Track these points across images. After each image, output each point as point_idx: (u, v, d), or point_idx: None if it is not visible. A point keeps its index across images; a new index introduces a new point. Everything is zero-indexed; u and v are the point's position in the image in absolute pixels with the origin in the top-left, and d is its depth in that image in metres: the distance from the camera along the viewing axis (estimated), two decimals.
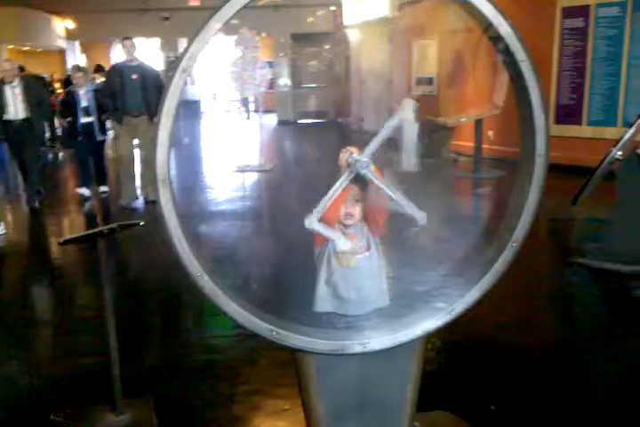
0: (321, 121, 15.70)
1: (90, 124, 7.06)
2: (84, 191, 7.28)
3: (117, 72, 6.73)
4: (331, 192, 1.78)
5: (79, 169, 7.49)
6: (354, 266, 1.92)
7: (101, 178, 7.53)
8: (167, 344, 3.38)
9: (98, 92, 7.06)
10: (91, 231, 2.60)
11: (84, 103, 7.04)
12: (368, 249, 1.93)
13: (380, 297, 1.98)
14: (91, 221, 6.59)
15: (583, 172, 4.32)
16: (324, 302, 1.96)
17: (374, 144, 1.79)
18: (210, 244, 4.93)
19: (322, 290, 1.95)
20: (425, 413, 2.18)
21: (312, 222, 1.76)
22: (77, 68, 7.62)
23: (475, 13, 1.80)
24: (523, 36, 1.79)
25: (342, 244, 1.90)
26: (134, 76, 6.59)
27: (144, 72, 6.69)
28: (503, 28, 1.78)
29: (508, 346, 3.25)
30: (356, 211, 1.87)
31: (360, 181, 1.81)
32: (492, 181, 7.56)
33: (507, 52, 1.81)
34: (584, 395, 2.76)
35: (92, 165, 7.32)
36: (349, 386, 1.94)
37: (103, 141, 7.36)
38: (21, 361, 3.22)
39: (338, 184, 1.79)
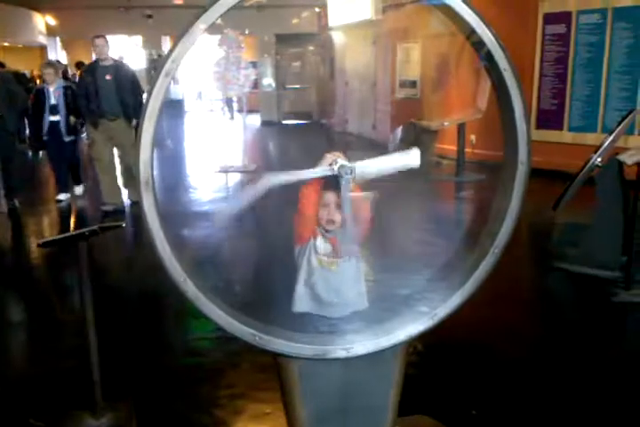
0: (305, 122, 15.72)
1: (56, 124, 6.69)
2: (61, 196, 7.01)
3: (90, 73, 6.26)
4: (303, 173, 1.78)
5: (54, 172, 7.24)
6: (334, 269, 1.92)
7: (75, 180, 7.29)
8: (148, 347, 3.35)
9: (68, 90, 6.73)
10: (71, 233, 2.57)
11: (52, 101, 6.67)
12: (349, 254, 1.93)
13: (359, 300, 1.99)
14: (65, 225, 6.37)
15: (564, 177, 4.38)
16: (302, 302, 1.96)
17: (369, 169, 1.78)
18: (192, 245, 4.91)
19: (300, 290, 1.95)
20: (405, 417, 2.19)
21: (269, 179, 1.74)
22: (48, 64, 7.22)
23: (458, 21, 1.82)
24: (505, 41, 1.80)
25: (323, 246, 1.91)
26: (108, 77, 6.17)
27: (119, 72, 6.25)
28: (486, 36, 1.79)
29: (489, 350, 3.28)
30: (338, 218, 1.88)
31: (339, 187, 1.81)
32: (475, 185, 7.63)
33: (489, 59, 1.83)
34: (564, 399, 2.79)
35: (66, 167, 7.08)
36: (331, 390, 1.94)
37: (73, 142, 6.99)
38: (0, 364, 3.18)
39: (312, 171, 1.78)
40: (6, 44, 15.49)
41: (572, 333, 3.51)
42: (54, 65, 7.36)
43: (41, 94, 6.74)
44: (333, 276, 1.93)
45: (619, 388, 2.89)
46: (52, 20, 16.55)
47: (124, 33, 18.67)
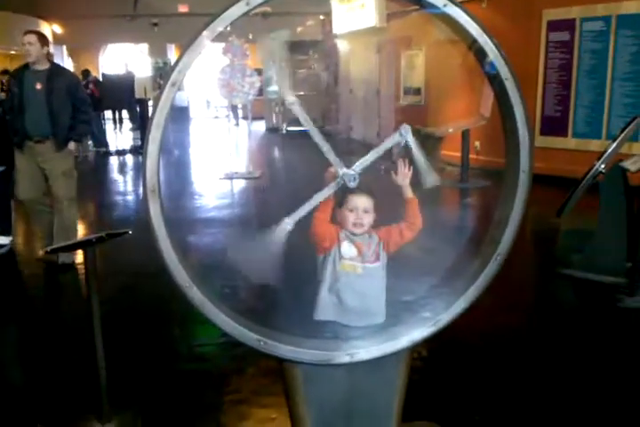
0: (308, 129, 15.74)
1: None
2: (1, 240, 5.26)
3: (18, 80, 4.67)
4: (311, 202, 1.82)
5: None
6: (360, 273, 1.91)
7: (2, 225, 5.26)
8: (154, 353, 3.37)
9: None
10: (78, 240, 2.61)
11: None
12: (376, 261, 1.93)
13: (379, 312, 1.97)
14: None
15: (568, 183, 4.39)
16: (326, 309, 1.94)
17: (365, 161, 1.82)
18: (198, 252, 4.94)
19: (325, 297, 1.93)
20: (409, 423, 2.21)
21: (287, 226, 1.79)
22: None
23: (460, 31, 1.85)
24: (509, 49, 1.83)
25: (348, 251, 1.92)
26: (38, 86, 4.59)
27: (54, 80, 4.64)
28: (488, 45, 1.82)
29: (492, 356, 3.29)
30: (366, 221, 1.89)
31: (368, 191, 1.86)
32: (479, 191, 7.64)
33: (491, 68, 1.86)
34: (567, 405, 2.79)
35: None
36: (336, 395, 1.96)
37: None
38: (8, 369, 3.20)
39: (320, 194, 1.82)
40: (13, 52, 15.62)
41: (577, 339, 3.51)
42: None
43: None
44: (359, 279, 1.92)
45: (623, 394, 2.89)
46: (58, 29, 16.70)
47: (130, 41, 18.86)
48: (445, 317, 1.97)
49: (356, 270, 1.92)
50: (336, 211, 1.91)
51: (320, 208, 1.86)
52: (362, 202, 1.88)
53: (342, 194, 1.88)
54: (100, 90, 13.16)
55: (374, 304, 1.97)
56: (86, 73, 14.20)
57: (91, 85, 13.09)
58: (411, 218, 1.92)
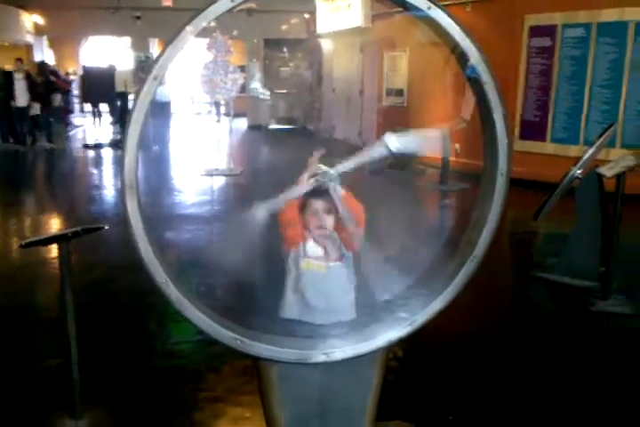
0: (291, 127, 15.75)
1: None
2: None
3: None
4: (287, 194, 1.81)
5: None
6: (324, 272, 1.93)
7: None
8: (129, 349, 3.34)
9: None
10: (53, 234, 2.57)
11: None
12: (340, 259, 1.95)
13: (348, 309, 2.00)
14: None
15: (545, 187, 4.45)
16: (291, 308, 1.96)
17: (348, 164, 1.81)
18: (175, 248, 4.91)
19: (289, 296, 1.96)
20: (383, 422, 2.22)
21: (258, 210, 1.76)
22: None
23: (443, 34, 1.85)
24: (491, 53, 1.84)
25: (313, 250, 1.92)
26: None
27: None
28: (470, 49, 1.83)
29: (467, 357, 3.32)
30: (329, 223, 1.90)
31: (327, 194, 1.84)
32: (459, 194, 7.70)
33: (472, 72, 1.87)
34: (539, 406, 2.83)
35: None
36: (310, 394, 1.96)
37: None
38: None
39: (299, 188, 1.81)
40: None
41: (550, 341, 3.56)
42: None
43: None
44: (323, 280, 1.94)
45: (594, 394, 2.94)
46: (39, 19, 16.43)
47: (112, 34, 18.60)
48: (421, 317, 1.98)
49: (320, 269, 1.93)
50: (299, 214, 1.91)
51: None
52: (321, 204, 1.88)
53: (302, 199, 1.87)
54: (83, 83, 12.77)
55: (339, 303, 1.98)
56: (43, 66, 13.41)
57: (52, 77, 12.34)
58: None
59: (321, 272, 1.93)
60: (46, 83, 11.90)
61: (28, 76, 11.54)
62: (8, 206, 7.25)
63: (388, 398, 2.12)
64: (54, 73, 12.88)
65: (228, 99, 9.42)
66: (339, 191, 1.81)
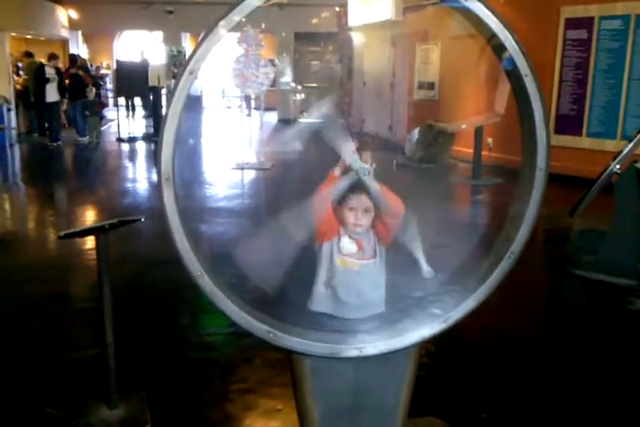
0: (321, 121, 15.72)
1: None
2: None
3: None
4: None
5: None
6: (357, 271, 1.93)
7: None
8: (163, 340, 3.39)
9: None
10: (91, 226, 2.62)
11: None
12: (373, 257, 1.95)
13: (378, 304, 2.00)
14: None
15: (581, 183, 4.36)
16: (320, 302, 1.97)
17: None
18: (208, 241, 4.95)
19: (320, 290, 1.96)
20: (415, 419, 2.21)
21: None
22: None
23: (479, 24, 1.82)
24: (526, 46, 1.80)
25: (348, 247, 1.92)
26: None
27: None
28: (508, 41, 1.79)
29: (501, 355, 3.28)
30: (366, 220, 1.89)
31: (367, 191, 1.83)
32: (491, 188, 7.60)
33: (510, 64, 1.83)
34: (575, 406, 2.79)
35: None
36: (343, 388, 1.96)
37: None
38: (17, 355, 3.23)
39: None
40: (29, 36, 15.63)
41: (586, 340, 3.49)
42: None
43: None
44: (356, 277, 1.93)
45: (630, 395, 2.87)
46: (74, 14, 16.70)
47: (144, 28, 18.81)
48: (456, 314, 1.95)
49: (354, 267, 1.92)
50: (335, 208, 1.90)
51: (326, 182, 1.85)
52: (361, 202, 1.86)
53: (338, 194, 1.85)
54: (116, 77, 12.85)
55: (370, 299, 1.98)
56: (74, 59, 12.92)
57: (80, 72, 12.09)
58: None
59: (354, 270, 1.93)
60: (74, 76, 12.01)
61: (57, 72, 11.74)
62: (45, 199, 7.42)
63: (421, 394, 2.10)
64: (83, 67, 12.92)
65: (258, 92, 9.44)
66: (375, 185, 1.80)
